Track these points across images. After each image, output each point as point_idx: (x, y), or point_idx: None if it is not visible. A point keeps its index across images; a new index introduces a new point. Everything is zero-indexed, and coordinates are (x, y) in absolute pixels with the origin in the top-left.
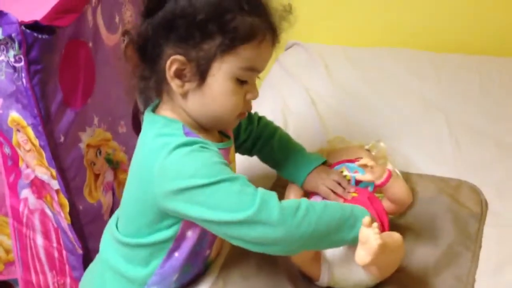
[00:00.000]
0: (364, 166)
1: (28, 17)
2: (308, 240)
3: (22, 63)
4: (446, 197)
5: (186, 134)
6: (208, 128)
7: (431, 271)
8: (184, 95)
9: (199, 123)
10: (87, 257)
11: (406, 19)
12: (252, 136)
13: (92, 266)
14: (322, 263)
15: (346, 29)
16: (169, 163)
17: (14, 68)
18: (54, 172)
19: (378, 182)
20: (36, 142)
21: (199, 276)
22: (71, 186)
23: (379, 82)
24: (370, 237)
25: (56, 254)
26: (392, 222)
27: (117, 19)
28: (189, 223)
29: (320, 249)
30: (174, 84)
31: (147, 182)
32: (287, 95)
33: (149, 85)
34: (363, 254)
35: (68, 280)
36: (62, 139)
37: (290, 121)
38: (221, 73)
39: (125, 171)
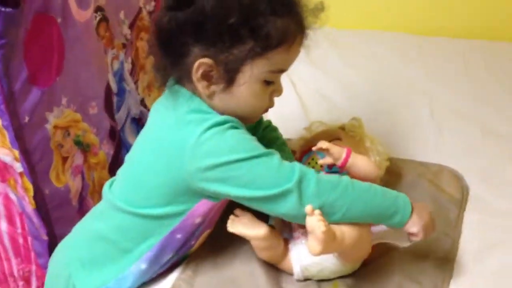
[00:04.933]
0: (321, 149)
1: None
2: (341, 217)
3: None
4: (426, 182)
5: (221, 113)
6: None
7: (409, 258)
8: (210, 95)
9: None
10: (53, 243)
11: (393, 2)
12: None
13: (67, 241)
14: (292, 261)
15: (331, 11)
16: (206, 139)
17: None
18: (17, 154)
19: (338, 163)
20: None
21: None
22: (36, 169)
23: (363, 65)
24: (314, 225)
25: (21, 240)
26: None
27: None
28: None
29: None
30: (201, 85)
31: (175, 157)
32: None
33: (172, 76)
34: (313, 244)
35: (33, 268)
36: (27, 119)
37: None
38: (250, 76)
39: (96, 155)
